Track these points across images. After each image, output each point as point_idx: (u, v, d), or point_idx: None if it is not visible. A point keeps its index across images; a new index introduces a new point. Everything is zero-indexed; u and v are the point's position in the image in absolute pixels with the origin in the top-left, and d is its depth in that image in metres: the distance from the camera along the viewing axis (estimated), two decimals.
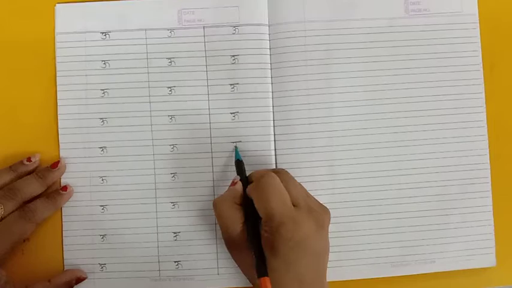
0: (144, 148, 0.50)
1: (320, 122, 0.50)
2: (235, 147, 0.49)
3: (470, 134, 0.51)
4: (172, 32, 0.51)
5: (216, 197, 0.50)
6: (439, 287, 0.51)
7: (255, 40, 0.51)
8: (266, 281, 0.42)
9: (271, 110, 0.50)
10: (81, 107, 0.50)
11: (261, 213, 0.44)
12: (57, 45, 0.51)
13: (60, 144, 0.50)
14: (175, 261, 0.50)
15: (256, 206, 0.44)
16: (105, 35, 0.51)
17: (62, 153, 0.50)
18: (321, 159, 0.50)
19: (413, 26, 0.51)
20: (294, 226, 0.43)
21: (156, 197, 0.50)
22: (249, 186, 0.46)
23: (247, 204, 0.46)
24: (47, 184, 0.49)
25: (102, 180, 0.50)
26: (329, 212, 0.46)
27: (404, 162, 0.51)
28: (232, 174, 0.49)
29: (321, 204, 0.46)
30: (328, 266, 0.45)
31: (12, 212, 0.47)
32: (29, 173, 0.49)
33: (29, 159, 0.49)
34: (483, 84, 0.51)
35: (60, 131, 0.50)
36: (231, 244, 0.46)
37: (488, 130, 0.51)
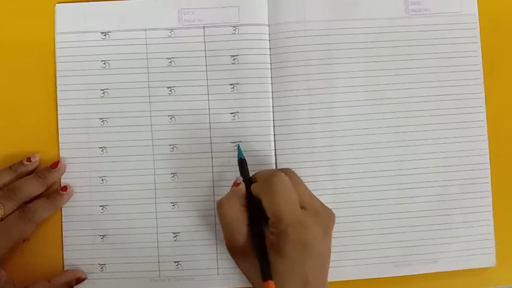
0: (144, 148, 0.50)
1: (320, 122, 0.50)
2: (238, 145, 0.49)
3: (470, 134, 0.51)
4: (172, 32, 0.51)
5: (216, 197, 0.50)
6: (439, 287, 0.51)
7: (255, 40, 0.51)
8: (271, 285, 0.42)
9: (271, 110, 0.50)
10: (81, 107, 0.50)
11: (270, 213, 0.44)
12: (57, 45, 0.51)
13: (60, 144, 0.50)
14: (175, 262, 0.50)
15: (264, 205, 0.44)
16: (105, 35, 0.51)
17: (62, 153, 0.50)
18: (322, 159, 0.50)
19: (413, 26, 0.51)
20: (302, 229, 0.43)
21: (156, 197, 0.50)
22: (255, 185, 0.45)
23: (251, 205, 0.45)
24: (47, 184, 0.49)
25: (102, 180, 0.50)
26: (334, 215, 0.46)
27: (405, 162, 0.51)
28: (232, 174, 0.49)
29: (325, 206, 0.46)
30: (331, 265, 0.45)
31: (12, 212, 0.47)
32: (29, 173, 0.49)
33: (28, 160, 0.49)
34: (483, 84, 0.51)
35: (60, 131, 0.50)
36: (235, 250, 0.46)
37: (488, 130, 0.51)
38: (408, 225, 0.50)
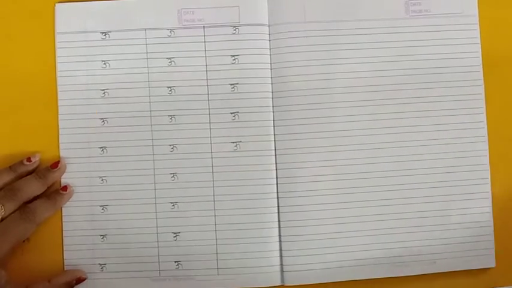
0: (143, 148, 0.50)
1: (320, 122, 0.50)
2: None
3: (470, 134, 0.51)
4: (172, 32, 0.51)
5: (216, 197, 0.50)
6: None
7: (255, 40, 0.51)
8: None
9: (271, 110, 0.50)
10: (81, 107, 0.50)
11: None
12: (58, 45, 0.51)
13: (60, 144, 0.50)
14: (175, 261, 0.50)
15: None
16: (105, 35, 0.51)
17: (62, 153, 0.50)
18: (321, 160, 0.50)
19: (413, 26, 0.51)
20: None
21: (156, 197, 0.50)
22: None
23: None
24: (47, 184, 0.49)
25: (102, 180, 0.50)
26: None
27: (405, 162, 0.51)
28: (232, 174, 0.49)
29: None
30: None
31: (13, 212, 0.47)
32: (29, 173, 0.49)
33: (28, 160, 0.49)
34: (483, 85, 0.51)
35: (60, 131, 0.50)
36: None
37: (488, 131, 0.51)
38: (407, 225, 0.50)
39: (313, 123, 0.50)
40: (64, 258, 0.50)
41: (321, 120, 0.50)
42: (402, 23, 0.51)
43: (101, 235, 0.50)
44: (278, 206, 0.50)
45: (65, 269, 0.50)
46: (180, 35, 0.51)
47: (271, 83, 0.51)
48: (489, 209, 0.51)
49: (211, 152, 0.50)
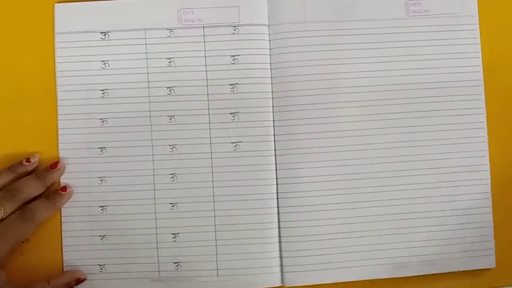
0: (143, 148, 0.50)
1: (320, 123, 0.50)
2: None
3: (470, 135, 0.51)
4: (172, 32, 0.51)
5: (215, 197, 0.49)
6: None
7: (255, 40, 0.51)
8: None
9: (271, 110, 0.50)
10: (80, 107, 0.50)
11: None
12: (57, 45, 0.51)
13: (59, 144, 0.50)
14: (174, 262, 0.50)
15: None
16: (104, 35, 0.51)
17: (62, 154, 0.50)
18: (321, 160, 0.50)
19: (413, 27, 0.51)
20: None
21: (155, 198, 0.50)
22: None
23: None
24: (47, 184, 0.49)
25: (101, 180, 0.50)
26: None
27: (405, 163, 0.51)
28: (232, 174, 0.49)
29: None
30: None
31: (12, 213, 0.47)
32: (28, 173, 0.49)
33: (28, 160, 0.49)
34: (483, 86, 0.51)
35: (59, 131, 0.50)
36: None
37: (488, 131, 0.51)
38: (408, 226, 0.50)
39: (313, 124, 0.50)
40: (63, 258, 0.50)
41: (320, 120, 0.50)
42: (402, 23, 0.51)
43: (100, 236, 0.50)
44: (278, 207, 0.50)
45: (64, 269, 0.49)
46: (180, 35, 0.51)
47: (271, 83, 0.50)
48: (489, 210, 0.51)
49: (211, 153, 0.50)
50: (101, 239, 0.50)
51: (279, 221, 0.50)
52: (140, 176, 0.50)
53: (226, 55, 0.50)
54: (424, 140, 0.51)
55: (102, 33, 0.51)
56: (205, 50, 0.51)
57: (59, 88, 0.50)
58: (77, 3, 0.51)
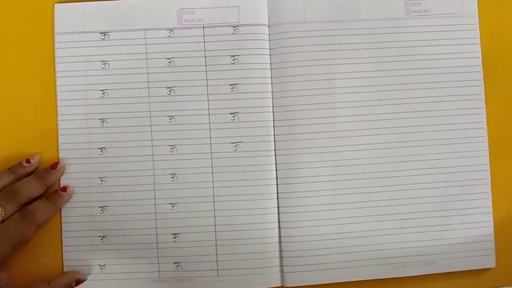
0: (143, 149, 0.50)
1: (320, 123, 0.50)
2: None
3: (470, 135, 0.51)
4: (172, 32, 0.51)
5: (215, 197, 0.49)
6: None
7: (255, 40, 0.51)
8: None
9: (271, 110, 0.50)
10: (80, 107, 0.50)
11: None
12: (57, 45, 0.50)
13: (59, 145, 0.50)
14: (174, 262, 0.50)
15: None
16: (104, 35, 0.51)
17: (61, 154, 0.50)
18: (322, 160, 0.50)
19: (413, 27, 0.51)
20: None
21: (155, 198, 0.50)
22: None
23: None
24: (47, 185, 0.49)
25: (101, 181, 0.50)
26: None
27: (405, 163, 0.51)
28: (232, 174, 0.49)
29: None
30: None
31: (13, 214, 0.47)
32: (28, 174, 0.49)
33: (27, 161, 0.49)
34: (483, 86, 0.51)
35: (59, 132, 0.50)
36: None
37: (488, 131, 0.51)
38: (408, 226, 0.50)
39: (313, 124, 0.50)
40: (63, 259, 0.50)
41: (320, 120, 0.50)
42: (402, 23, 0.51)
43: (100, 236, 0.50)
44: (278, 207, 0.50)
45: (64, 270, 0.49)
46: (180, 35, 0.51)
47: (271, 83, 0.50)
48: (489, 209, 0.51)
49: (211, 153, 0.50)
50: (101, 239, 0.50)
51: (279, 221, 0.50)
52: (140, 176, 0.50)
53: (226, 55, 0.50)
54: (424, 140, 0.51)
55: (102, 33, 0.51)
56: (205, 50, 0.51)
57: (58, 88, 0.50)
58: (77, 3, 0.51)
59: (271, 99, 0.50)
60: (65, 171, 0.50)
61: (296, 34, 0.51)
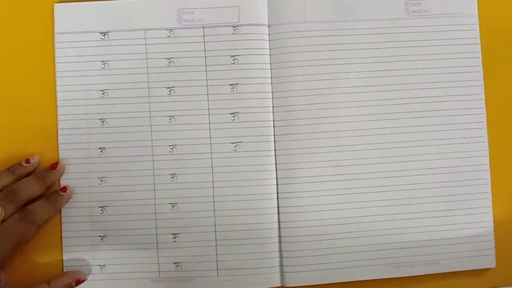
0: (143, 149, 0.50)
1: (320, 123, 0.50)
2: None
3: (470, 135, 0.51)
4: (172, 32, 0.51)
5: (215, 198, 0.49)
6: None
7: (255, 40, 0.50)
8: None
9: (271, 110, 0.50)
10: (80, 107, 0.50)
11: None
12: (57, 45, 0.50)
13: (59, 145, 0.50)
14: (174, 262, 0.50)
15: None
16: (104, 35, 0.51)
17: (61, 154, 0.50)
18: (322, 160, 0.50)
19: (413, 27, 0.51)
20: None
21: (155, 198, 0.50)
22: None
23: None
24: (47, 185, 0.49)
25: (101, 181, 0.50)
26: None
27: (406, 163, 0.51)
28: (232, 174, 0.49)
29: None
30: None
31: (13, 214, 0.47)
32: (28, 174, 0.49)
33: (27, 161, 0.49)
34: (483, 86, 0.51)
35: (59, 132, 0.50)
36: None
37: (488, 131, 0.51)
38: (409, 226, 0.50)
39: (313, 124, 0.50)
40: (63, 259, 0.50)
41: (320, 120, 0.50)
42: (402, 23, 0.51)
43: (100, 236, 0.50)
44: (278, 207, 0.50)
45: (64, 270, 0.49)
46: (180, 35, 0.51)
47: (271, 83, 0.50)
48: (489, 209, 0.51)
49: (211, 153, 0.50)
50: (101, 239, 0.50)
51: (279, 221, 0.50)
52: (140, 176, 0.50)
53: (226, 55, 0.50)
54: (424, 140, 0.51)
55: (102, 33, 0.51)
56: (205, 50, 0.51)
57: (58, 88, 0.50)
58: (77, 3, 0.51)
59: (271, 99, 0.50)
60: (65, 171, 0.50)
61: (296, 34, 0.51)
